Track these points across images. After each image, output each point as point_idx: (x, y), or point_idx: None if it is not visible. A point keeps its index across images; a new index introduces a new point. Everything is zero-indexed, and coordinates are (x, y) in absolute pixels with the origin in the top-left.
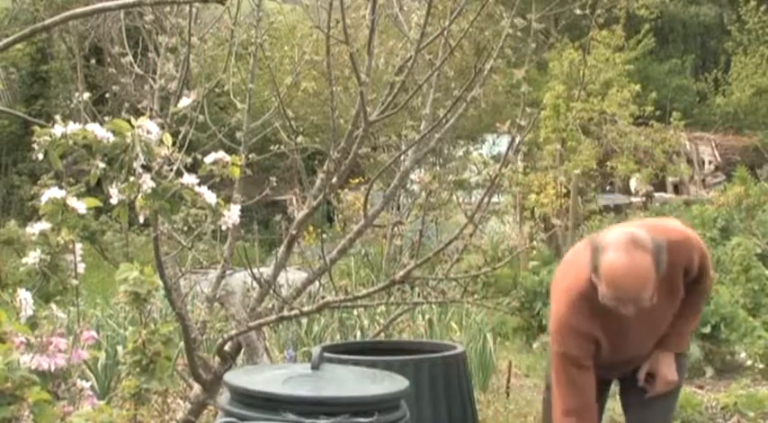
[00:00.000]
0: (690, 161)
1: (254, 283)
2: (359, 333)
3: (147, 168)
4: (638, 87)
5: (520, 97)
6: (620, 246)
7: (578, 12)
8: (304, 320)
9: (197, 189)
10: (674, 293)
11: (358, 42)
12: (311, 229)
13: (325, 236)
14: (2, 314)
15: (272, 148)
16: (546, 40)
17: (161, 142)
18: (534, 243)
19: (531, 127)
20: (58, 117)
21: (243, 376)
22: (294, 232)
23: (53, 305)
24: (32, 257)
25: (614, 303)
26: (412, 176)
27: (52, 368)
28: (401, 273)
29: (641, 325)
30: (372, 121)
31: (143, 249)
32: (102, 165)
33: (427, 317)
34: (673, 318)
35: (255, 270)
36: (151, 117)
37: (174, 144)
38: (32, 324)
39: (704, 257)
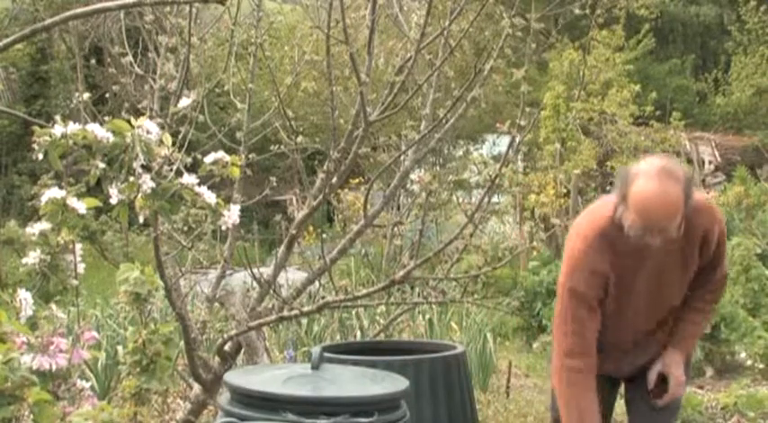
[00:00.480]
0: (690, 161)
1: (254, 283)
2: (359, 333)
3: (146, 168)
4: (638, 87)
5: (520, 97)
6: (651, 174)
7: (578, 11)
8: (304, 320)
9: (197, 189)
10: (687, 261)
11: (358, 42)
12: (311, 229)
13: (325, 236)
14: (2, 314)
15: (272, 148)
16: (546, 40)
17: (161, 142)
18: (534, 243)
19: (531, 127)
20: (57, 117)
21: (243, 376)
22: (294, 232)
23: (53, 305)
24: (32, 257)
25: (641, 233)
26: (412, 176)
27: (52, 368)
28: (401, 273)
29: (648, 283)
30: (372, 121)
31: (143, 249)
32: (102, 165)
33: (427, 317)
34: (684, 313)
35: (255, 270)
36: (151, 117)
37: (173, 144)
38: (32, 324)
39: (722, 235)
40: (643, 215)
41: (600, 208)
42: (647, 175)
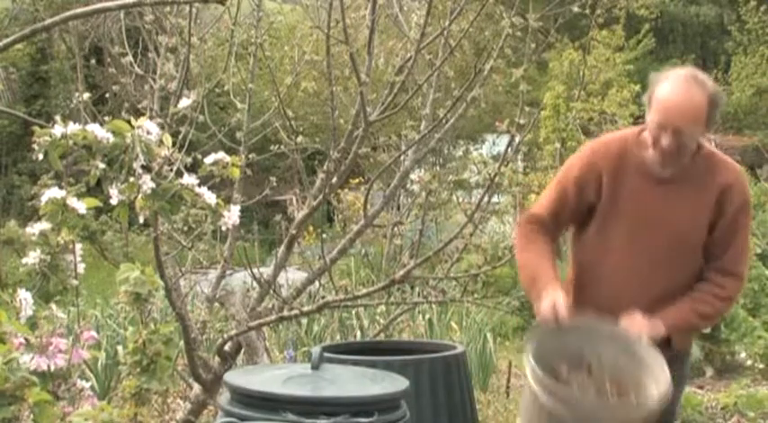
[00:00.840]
0: None
1: (254, 283)
2: (359, 333)
3: (146, 169)
4: (638, 87)
5: (519, 97)
6: (679, 77)
7: (577, 10)
8: (304, 320)
9: (197, 189)
10: (695, 214)
11: (358, 42)
12: (311, 229)
13: (325, 236)
14: (2, 314)
15: (272, 148)
16: (545, 40)
17: (161, 142)
18: None
19: (531, 127)
20: (57, 117)
21: (243, 376)
22: (294, 232)
23: (53, 305)
24: (32, 257)
25: (656, 132)
26: (412, 176)
27: (52, 368)
28: (401, 272)
29: (638, 220)
30: (372, 121)
31: (143, 249)
32: (102, 165)
33: (427, 317)
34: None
35: (255, 270)
36: (151, 117)
37: (174, 144)
38: (32, 324)
39: (744, 208)
40: (662, 110)
41: (630, 130)
42: (675, 78)
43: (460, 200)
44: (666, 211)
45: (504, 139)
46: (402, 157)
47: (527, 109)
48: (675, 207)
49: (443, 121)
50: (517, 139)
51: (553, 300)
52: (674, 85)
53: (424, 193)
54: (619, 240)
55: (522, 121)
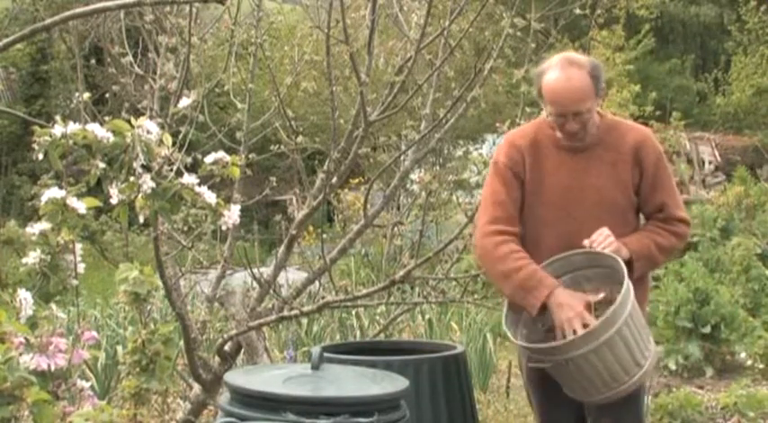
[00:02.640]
0: (690, 161)
1: (254, 283)
2: (359, 333)
3: (147, 168)
4: (637, 87)
5: (520, 97)
6: (556, 65)
7: (578, 11)
8: (304, 320)
9: (197, 189)
10: (621, 176)
11: (358, 42)
12: (311, 229)
13: (325, 236)
14: (2, 314)
15: (272, 148)
16: (546, 40)
17: (161, 142)
18: None
19: None
20: (58, 117)
21: (243, 376)
22: (294, 232)
23: (53, 305)
24: (32, 257)
25: (561, 120)
26: (412, 176)
27: (52, 368)
28: (401, 273)
29: (563, 191)
30: (372, 121)
31: (143, 249)
32: (102, 165)
33: (427, 317)
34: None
35: (255, 270)
36: (151, 117)
37: (174, 144)
38: (32, 324)
39: (661, 162)
40: (553, 102)
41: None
42: (554, 68)
43: (460, 200)
44: (587, 178)
45: None
46: (402, 157)
47: (527, 109)
48: (595, 173)
49: (443, 121)
50: None
51: (576, 312)
52: (556, 76)
53: (423, 193)
54: (549, 213)
55: (522, 122)
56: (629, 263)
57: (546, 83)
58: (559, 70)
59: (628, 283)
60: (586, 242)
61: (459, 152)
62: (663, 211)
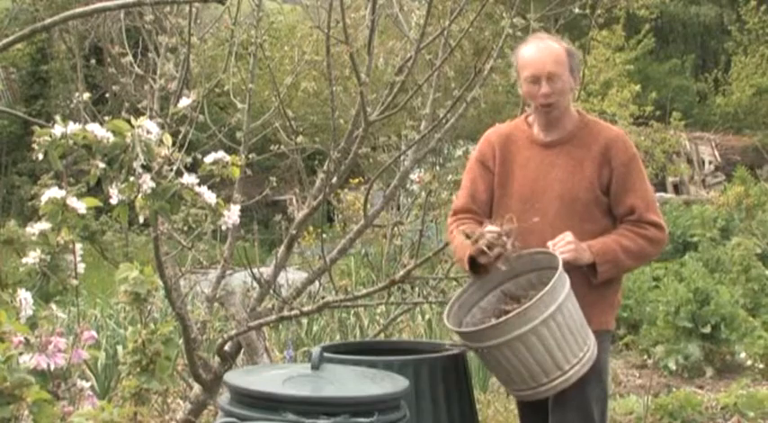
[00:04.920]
0: (690, 161)
1: (254, 283)
2: (359, 333)
3: (146, 168)
4: (638, 87)
5: (520, 97)
6: (533, 38)
7: (578, 11)
8: (304, 320)
9: (197, 189)
10: (584, 172)
11: (358, 42)
12: (311, 229)
13: (325, 236)
14: (2, 314)
15: (272, 148)
16: None
17: (161, 142)
18: None
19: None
20: (57, 117)
21: (243, 376)
22: (294, 232)
23: (53, 305)
24: (32, 257)
25: (532, 87)
26: (412, 176)
27: (52, 368)
28: (401, 273)
29: (530, 185)
30: (372, 121)
31: (143, 249)
32: (102, 165)
33: (427, 317)
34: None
35: (255, 270)
36: (151, 117)
37: (173, 144)
38: (32, 324)
39: (634, 162)
40: (529, 65)
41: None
42: (530, 40)
43: None
44: (554, 172)
45: None
46: (402, 157)
47: (527, 109)
48: (560, 167)
49: (443, 120)
50: None
51: (482, 232)
52: (531, 45)
53: (423, 193)
54: (516, 205)
55: None
56: (592, 266)
57: (522, 53)
58: (538, 40)
59: (552, 286)
60: (550, 243)
61: (459, 152)
62: (634, 214)
